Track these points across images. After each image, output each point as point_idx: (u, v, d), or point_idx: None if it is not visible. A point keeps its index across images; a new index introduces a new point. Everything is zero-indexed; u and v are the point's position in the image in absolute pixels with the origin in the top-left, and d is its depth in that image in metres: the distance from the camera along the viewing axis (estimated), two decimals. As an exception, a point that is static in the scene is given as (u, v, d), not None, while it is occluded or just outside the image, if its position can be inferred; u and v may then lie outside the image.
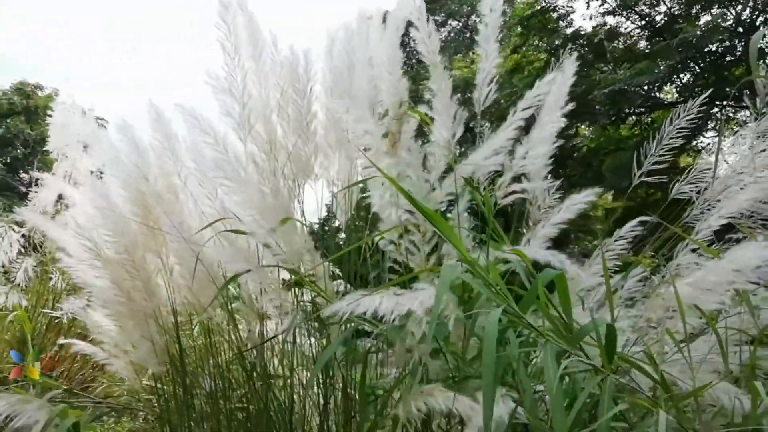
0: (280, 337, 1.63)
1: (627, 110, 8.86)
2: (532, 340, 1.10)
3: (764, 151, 1.64)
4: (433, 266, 1.21)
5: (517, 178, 1.59)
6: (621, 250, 1.65)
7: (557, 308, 1.02)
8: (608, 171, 8.08)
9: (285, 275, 1.58)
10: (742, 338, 1.45)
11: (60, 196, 2.68)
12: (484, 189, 1.63)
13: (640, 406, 0.99)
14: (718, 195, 1.71)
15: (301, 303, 1.46)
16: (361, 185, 1.67)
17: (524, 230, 1.82)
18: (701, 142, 8.50)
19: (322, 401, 1.56)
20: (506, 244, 1.60)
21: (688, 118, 1.82)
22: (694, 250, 1.60)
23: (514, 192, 1.52)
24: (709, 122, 7.74)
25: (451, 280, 0.86)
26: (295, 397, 1.58)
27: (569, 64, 1.65)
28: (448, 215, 1.72)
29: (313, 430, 1.61)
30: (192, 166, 1.51)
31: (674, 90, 9.08)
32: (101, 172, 1.96)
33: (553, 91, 1.56)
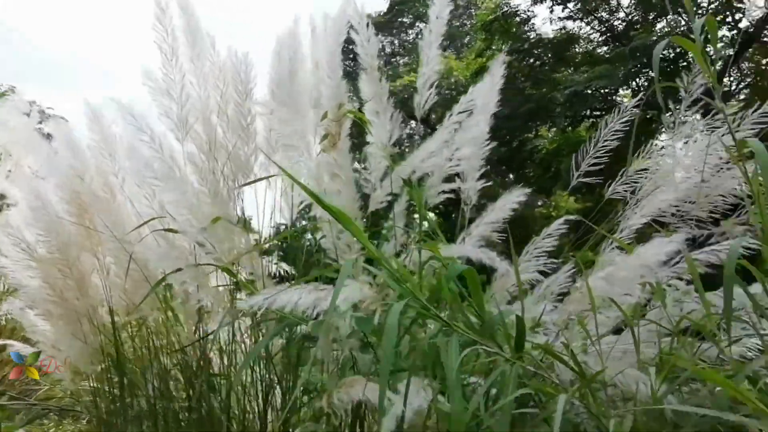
0: (223, 336, 1.66)
1: (584, 113, 9.11)
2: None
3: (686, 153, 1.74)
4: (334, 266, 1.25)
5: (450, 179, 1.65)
6: (549, 247, 1.72)
7: (470, 301, 1.08)
8: (567, 172, 8.27)
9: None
10: (664, 330, 1.54)
11: (2, 196, 2.65)
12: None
13: (545, 392, 1.05)
14: (649, 195, 1.79)
15: (237, 301, 1.49)
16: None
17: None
18: (656, 145, 8.74)
19: (261, 400, 1.59)
20: (442, 242, 1.67)
21: (621, 121, 1.91)
22: (617, 249, 1.69)
23: (444, 192, 1.58)
24: (662, 126, 7.97)
25: (347, 275, 0.90)
26: (234, 395, 1.60)
27: (497, 68, 1.72)
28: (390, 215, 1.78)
29: (253, 427, 1.63)
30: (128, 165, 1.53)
31: (630, 94, 9.37)
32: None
33: (482, 95, 1.63)
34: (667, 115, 1.81)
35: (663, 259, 1.33)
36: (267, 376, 1.57)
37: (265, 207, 1.72)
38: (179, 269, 1.35)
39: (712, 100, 1.49)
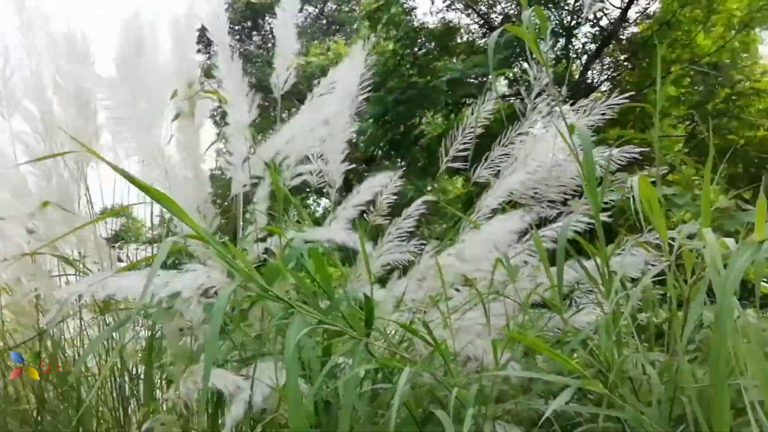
0: (72, 329, 1.54)
1: (465, 100, 9.49)
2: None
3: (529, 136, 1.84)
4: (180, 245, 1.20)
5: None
6: (408, 228, 1.76)
7: (316, 280, 1.07)
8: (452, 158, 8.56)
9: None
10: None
11: None
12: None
13: (392, 365, 1.07)
14: (504, 178, 1.88)
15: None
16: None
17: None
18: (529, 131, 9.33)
19: (116, 392, 1.49)
20: (309, 225, 1.65)
21: (487, 108, 1.99)
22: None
23: (300, 174, 1.56)
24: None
25: (166, 256, 0.86)
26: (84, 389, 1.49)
27: (358, 51, 1.72)
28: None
29: (108, 421, 1.53)
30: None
31: (506, 83, 9.89)
32: None
33: (342, 78, 1.63)
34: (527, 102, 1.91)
35: (506, 234, 1.41)
36: (122, 369, 1.48)
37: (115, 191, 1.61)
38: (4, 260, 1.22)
39: (555, 87, 1.59)
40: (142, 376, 1.47)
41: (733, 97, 7.48)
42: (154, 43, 1.57)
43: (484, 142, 1.92)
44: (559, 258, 1.29)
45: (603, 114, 1.84)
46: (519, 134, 1.92)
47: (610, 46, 9.68)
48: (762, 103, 7.53)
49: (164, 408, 1.20)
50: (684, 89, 8.93)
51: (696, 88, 8.86)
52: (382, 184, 1.82)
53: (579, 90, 8.38)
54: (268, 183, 1.70)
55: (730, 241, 0.75)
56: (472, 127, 1.98)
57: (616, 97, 1.77)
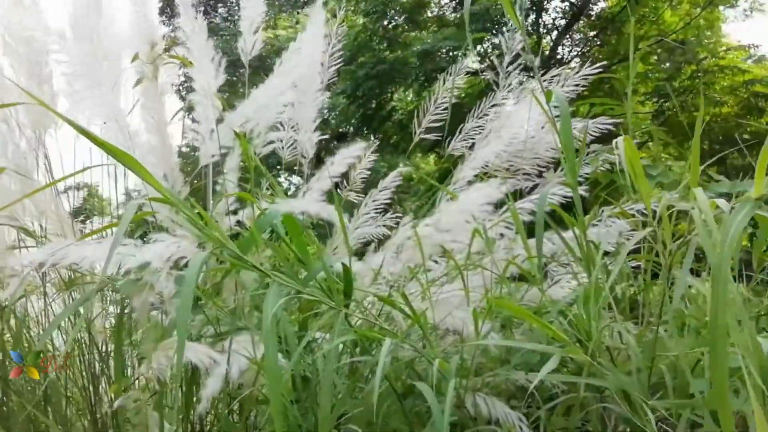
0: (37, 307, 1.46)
1: (436, 75, 9.44)
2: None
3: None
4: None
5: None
6: (385, 200, 1.73)
7: (293, 249, 1.03)
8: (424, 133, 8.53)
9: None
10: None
11: None
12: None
13: (371, 337, 1.05)
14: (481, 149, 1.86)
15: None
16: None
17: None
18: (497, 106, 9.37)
19: (85, 370, 1.43)
20: (280, 196, 1.60)
21: (458, 79, 1.96)
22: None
23: (272, 142, 1.51)
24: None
25: (132, 219, 0.81)
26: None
27: (317, 14, 1.66)
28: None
29: (78, 400, 1.48)
30: None
31: (477, 59, 9.85)
32: None
33: (308, 43, 1.57)
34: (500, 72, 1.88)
35: (483, 203, 1.39)
36: (91, 346, 1.42)
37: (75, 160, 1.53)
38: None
39: (530, 53, 1.56)
40: (112, 354, 1.41)
41: (699, 74, 7.60)
42: (113, 3, 1.48)
43: (457, 117, 1.89)
44: (537, 228, 1.28)
45: (576, 85, 1.83)
46: (493, 105, 1.89)
47: (580, 22, 9.72)
48: (726, 80, 7.68)
49: (137, 385, 1.15)
50: (651, 66, 9.04)
51: (663, 65, 8.98)
52: (356, 155, 1.78)
53: (549, 65, 8.40)
54: (237, 153, 1.63)
55: (720, 202, 0.73)
56: (444, 98, 1.95)
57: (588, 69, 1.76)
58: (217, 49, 1.45)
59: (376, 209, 1.72)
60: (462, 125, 1.89)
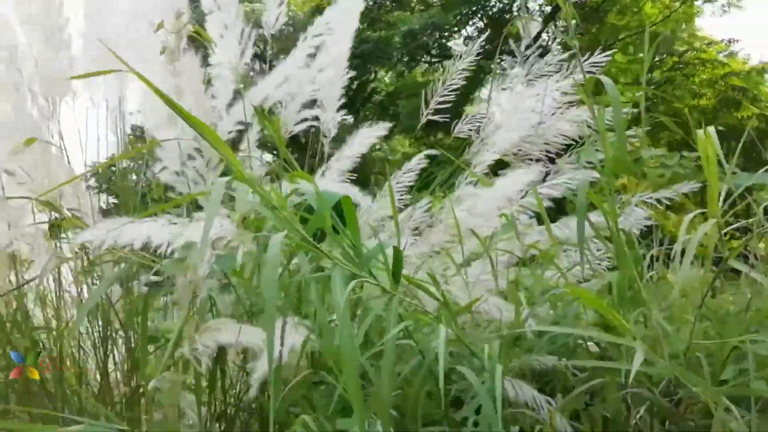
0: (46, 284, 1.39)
1: (420, 58, 9.38)
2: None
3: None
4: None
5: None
6: (408, 182, 1.71)
7: (345, 232, 1.00)
8: (404, 115, 8.51)
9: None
10: (511, 259, 1.62)
11: None
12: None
13: (425, 323, 1.03)
14: (491, 135, 1.85)
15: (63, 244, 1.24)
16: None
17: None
18: (481, 93, 9.41)
19: (102, 354, 1.38)
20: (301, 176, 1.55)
21: (468, 60, 1.93)
22: (473, 184, 1.73)
23: (305, 119, 1.46)
24: (488, 75, 8.58)
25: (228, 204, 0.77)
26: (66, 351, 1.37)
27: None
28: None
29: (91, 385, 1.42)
30: None
31: (462, 42, 9.82)
32: None
33: (340, 15, 1.52)
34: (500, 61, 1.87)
35: (518, 189, 1.38)
36: (105, 326, 1.36)
37: (88, 131, 1.45)
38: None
39: (569, 39, 1.54)
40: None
41: (680, 66, 7.74)
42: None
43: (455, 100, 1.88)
44: (579, 211, 1.27)
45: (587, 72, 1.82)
46: (503, 89, 1.87)
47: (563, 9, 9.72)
48: (705, 73, 7.83)
49: (173, 367, 1.11)
50: (630, 56, 9.16)
51: (641, 55, 9.11)
52: (378, 135, 1.75)
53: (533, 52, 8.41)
54: (256, 130, 1.59)
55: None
56: (452, 80, 1.93)
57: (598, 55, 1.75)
58: (248, 21, 1.39)
59: (399, 191, 1.70)
60: (462, 108, 1.87)
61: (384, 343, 0.88)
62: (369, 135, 1.72)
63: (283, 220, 0.79)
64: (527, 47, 1.84)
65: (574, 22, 1.46)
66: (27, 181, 1.11)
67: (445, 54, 9.78)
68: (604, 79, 1.29)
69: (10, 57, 1.33)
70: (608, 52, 1.76)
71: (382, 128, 1.72)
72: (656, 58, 8.11)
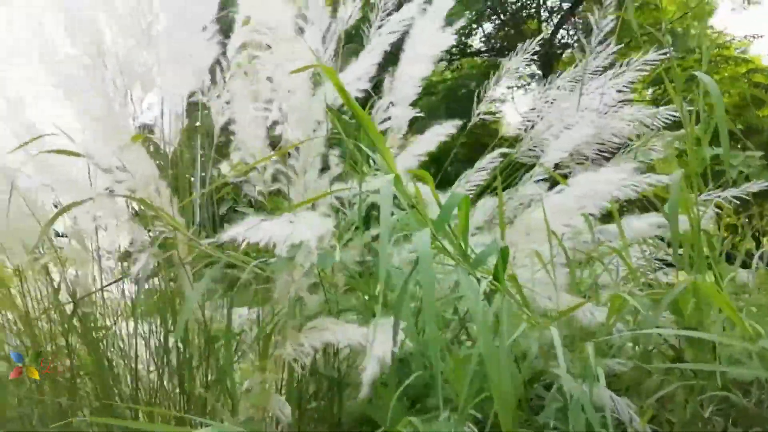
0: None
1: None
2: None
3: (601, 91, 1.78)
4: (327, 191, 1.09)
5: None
6: (480, 180, 1.69)
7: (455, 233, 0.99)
8: (427, 112, 8.46)
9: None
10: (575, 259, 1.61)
11: None
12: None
13: (536, 326, 1.02)
14: (543, 133, 1.83)
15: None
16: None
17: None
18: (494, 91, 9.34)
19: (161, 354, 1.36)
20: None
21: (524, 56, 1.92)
22: (536, 182, 1.72)
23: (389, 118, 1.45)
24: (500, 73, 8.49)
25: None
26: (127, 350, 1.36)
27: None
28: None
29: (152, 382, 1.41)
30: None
31: (479, 39, 9.77)
32: None
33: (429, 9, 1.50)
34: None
35: (615, 185, 1.36)
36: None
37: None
38: (89, 199, 1.06)
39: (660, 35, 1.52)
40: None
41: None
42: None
43: (454, 99, 1.87)
44: (671, 209, 1.25)
45: (638, 70, 1.80)
46: (555, 88, 1.86)
47: (582, 5, 9.68)
48: (728, 70, 7.77)
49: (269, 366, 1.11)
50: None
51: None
52: (448, 133, 1.73)
53: (554, 49, 8.38)
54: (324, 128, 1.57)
55: None
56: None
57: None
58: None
59: (470, 191, 1.68)
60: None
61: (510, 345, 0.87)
62: (440, 132, 1.70)
63: (422, 221, 0.78)
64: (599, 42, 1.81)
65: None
66: (127, 179, 1.10)
67: (462, 51, 9.74)
68: (702, 75, 1.27)
69: (96, 52, 1.32)
70: (662, 50, 1.74)
71: (451, 126, 1.70)
72: (680, 55, 8.06)
